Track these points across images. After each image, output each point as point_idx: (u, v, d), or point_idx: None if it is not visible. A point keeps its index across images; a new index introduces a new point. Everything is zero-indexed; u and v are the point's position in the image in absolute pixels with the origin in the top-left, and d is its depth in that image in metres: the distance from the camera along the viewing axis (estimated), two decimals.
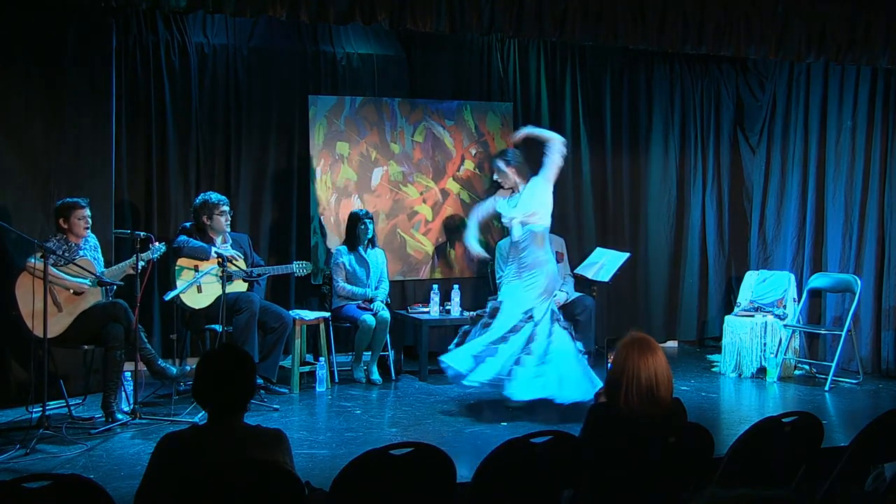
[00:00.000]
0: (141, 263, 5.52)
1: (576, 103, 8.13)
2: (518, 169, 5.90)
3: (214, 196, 6.21)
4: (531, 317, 5.70)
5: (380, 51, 7.58)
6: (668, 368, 3.30)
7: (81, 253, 5.45)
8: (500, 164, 5.95)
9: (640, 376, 3.21)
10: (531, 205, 5.80)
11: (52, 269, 5.07)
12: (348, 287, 6.77)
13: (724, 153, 8.51)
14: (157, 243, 5.76)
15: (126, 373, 5.52)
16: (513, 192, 5.95)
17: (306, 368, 6.55)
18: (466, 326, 5.96)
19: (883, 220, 7.13)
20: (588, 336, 6.88)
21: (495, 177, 6.05)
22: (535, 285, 5.76)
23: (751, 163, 8.41)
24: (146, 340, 5.68)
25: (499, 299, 5.96)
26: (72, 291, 5.36)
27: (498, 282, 7.26)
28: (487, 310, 5.95)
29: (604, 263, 7.52)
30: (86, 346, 5.51)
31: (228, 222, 6.23)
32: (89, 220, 5.49)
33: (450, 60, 7.79)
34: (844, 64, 6.75)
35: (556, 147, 5.81)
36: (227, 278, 5.76)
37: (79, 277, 5.35)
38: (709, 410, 6.11)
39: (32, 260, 5.18)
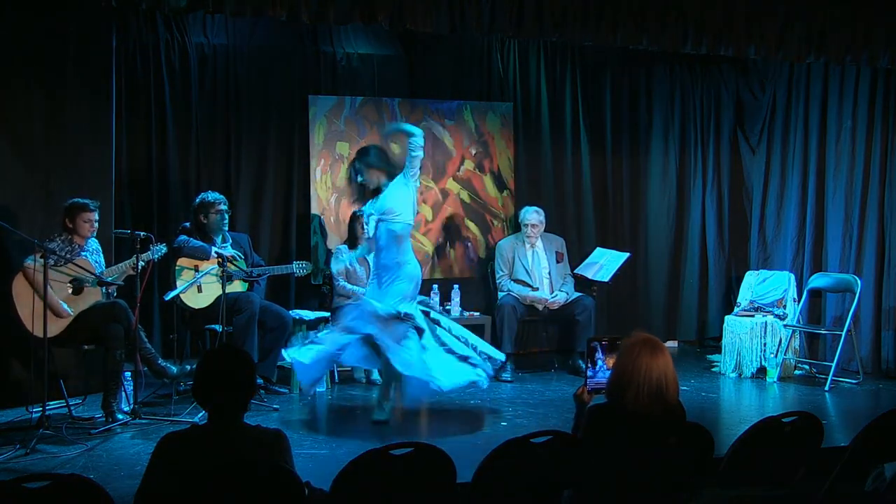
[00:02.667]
0: (140, 264, 5.52)
1: (576, 103, 8.13)
2: (380, 169, 5.47)
3: (211, 195, 6.22)
4: (405, 317, 5.35)
5: (380, 51, 7.58)
6: (675, 371, 3.31)
7: (82, 255, 5.45)
8: (360, 166, 5.49)
9: (652, 376, 3.20)
10: (388, 202, 5.39)
11: (50, 272, 5.06)
12: (349, 286, 6.77)
13: (724, 153, 8.51)
14: (157, 244, 5.76)
15: (126, 373, 5.52)
16: (379, 191, 5.53)
17: None
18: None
19: (883, 220, 7.13)
20: (588, 336, 6.88)
21: (359, 178, 5.52)
22: (394, 289, 5.42)
23: (751, 163, 8.41)
24: (146, 340, 5.68)
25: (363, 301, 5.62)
26: (70, 291, 5.35)
27: (498, 282, 7.28)
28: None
29: (604, 263, 7.53)
30: (86, 346, 5.51)
31: (225, 222, 6.22)
32: (95, 224, 5.49)
33: (450, 60, 7.79)
34: (844, 64, 6.75)
35: (416, 143, 5.42)
36: (227, 278, 5.77)
37: (67, 303, 5.31)
38: (709, 410, 6.10)
39: (31, 261, 5.18)
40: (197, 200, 6.26)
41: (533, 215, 7.22)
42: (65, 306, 5.30)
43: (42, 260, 4.94)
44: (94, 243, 5.61)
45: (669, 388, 3.24)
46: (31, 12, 5.72)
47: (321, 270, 7.23)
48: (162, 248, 5.81)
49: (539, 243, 7.28)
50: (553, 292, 7.15)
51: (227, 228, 6.28)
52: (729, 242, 8.50)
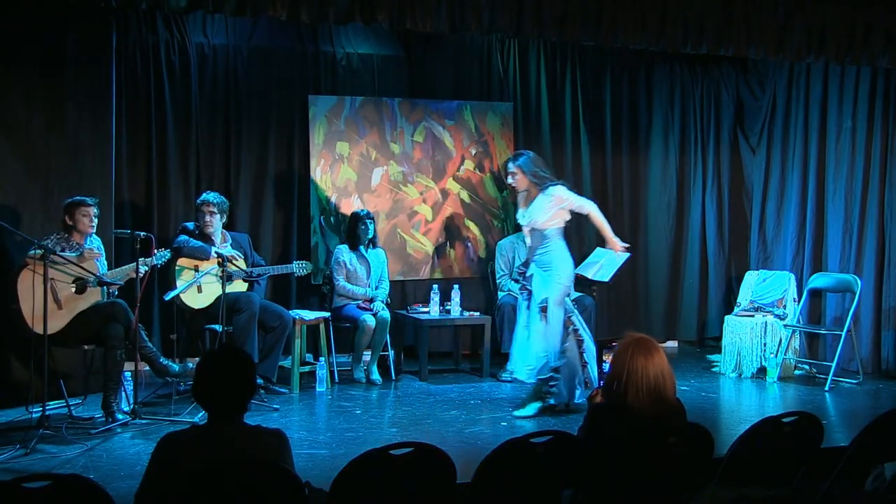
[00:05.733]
0: (144, 268, 5.51)
1: (576, 103, 8.12)
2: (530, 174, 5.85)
3: (207, 196, 6.23)
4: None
5: (380, 51, 7.58)
6: (671, 368, 3.33)
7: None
8: (511, 167, 5.89)
9: (650, 375, 3.22)
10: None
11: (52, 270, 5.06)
12: (349, 286, 6.77)
13: (724, 153, 8.51)
14: (161, 249, 5.76)
15: (126, 373, 5.52)
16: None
17: (306, 368, 6.55)
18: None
19: (883, 220, 7.13)
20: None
21: (508, 180, 5.97)
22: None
23: (751, 163, 8.41)
24: (147, 339, 5.68)
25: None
26: (74, 290, 5.35)
27: (498, 281, 7.28)
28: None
29: (604, 263, 7.49)
30: (86, 346, 5.51)
31: (215, 222, 6.18)
32: (94, 218, 5.49)
33: (450, 60, 7.78)
34: (844, 64, 6.75)
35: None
36: (227, 278, 5.77)
37: (69, 302, 5.32)
38: (709, 410, 6.11)
39: (33, 251, 5.17)
40: (199, 200, 6.29)
41: None
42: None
43: (43, 258, 4.94)
44: (96, 241, 5.61)
45: (667, 387, 3.26)
46: (32, 12, 5.72)
47: (321, 270, 7.23)
48: (166, 254, 5.82)
49: None
50: None
51: (213, 230, 6.21)
52: (729, 242, 8.50)
